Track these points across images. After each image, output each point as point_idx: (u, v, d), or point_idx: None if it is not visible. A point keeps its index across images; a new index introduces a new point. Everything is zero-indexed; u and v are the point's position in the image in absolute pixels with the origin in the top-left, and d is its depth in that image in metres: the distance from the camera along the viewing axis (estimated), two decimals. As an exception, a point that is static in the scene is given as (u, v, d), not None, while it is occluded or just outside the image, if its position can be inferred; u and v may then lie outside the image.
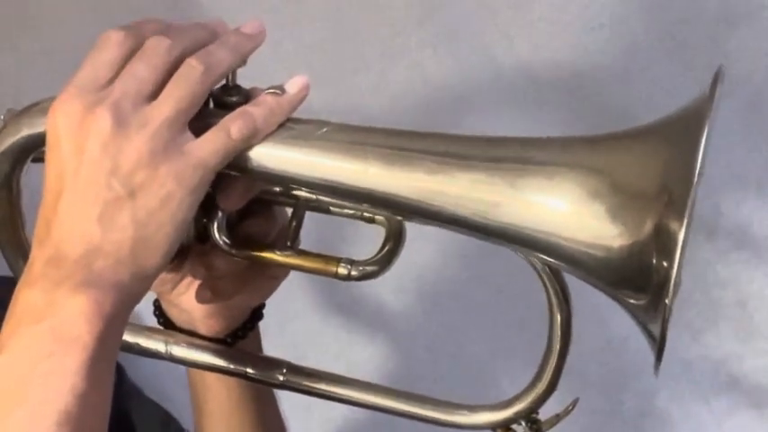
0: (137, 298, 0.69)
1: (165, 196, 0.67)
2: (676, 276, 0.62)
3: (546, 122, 1.31)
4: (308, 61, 1.34)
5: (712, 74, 0.66)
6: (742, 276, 1.30)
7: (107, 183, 0.67)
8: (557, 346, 0.77)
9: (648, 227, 0.64)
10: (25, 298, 0.66)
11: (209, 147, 0.69)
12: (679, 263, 0.62)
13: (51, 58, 1.37)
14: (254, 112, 0.71)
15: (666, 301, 0.62)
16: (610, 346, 1.33)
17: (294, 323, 1.31)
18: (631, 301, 0.66)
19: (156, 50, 0.69)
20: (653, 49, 1.29)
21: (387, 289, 1.38)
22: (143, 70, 0.69)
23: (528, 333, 1.34)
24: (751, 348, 1.31)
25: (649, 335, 0.67)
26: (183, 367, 0.91)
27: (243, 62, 0.73)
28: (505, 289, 1.35)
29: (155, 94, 0.69)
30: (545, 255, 0.69)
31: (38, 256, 0.67)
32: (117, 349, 0.68)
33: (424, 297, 1.39)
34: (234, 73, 0.73)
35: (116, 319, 0.66)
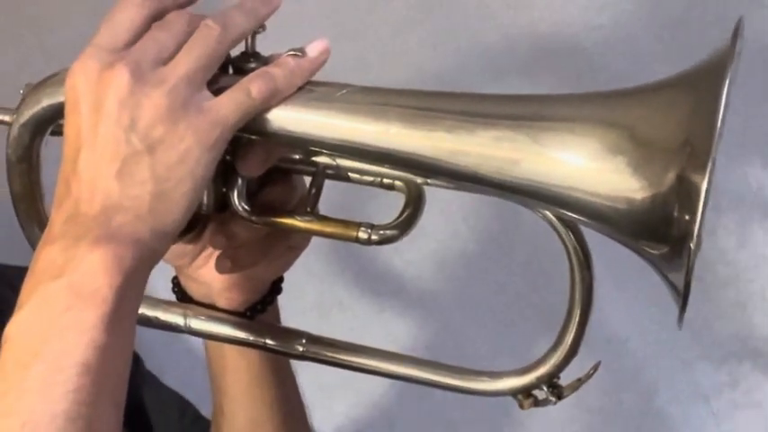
0: (156, 255, 0.68)
1: (184, 151, 0.67)
2: (700, 224, 0.62)
3: (546, 122, 1.31)
4: (308, 61, 1.34)
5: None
6: (742, 276, 1.30)
7: (126, 138, 0.67)
8: (578, 308, 0.77)
9: (670, 178, 0.64)
10: (45, 256, 0.66)
11: (229, 105, 0.69)
12: (702, 212, 0.62)
13: (51, 58, 1.37)
14: (275, 72, 0.71)
15: (691, 245, 0.62)
16: (610, 346, 1.33)
17: (292, 319, 1.31)
18: (654, 251, 0.66)
19: (178, 20, 0.70)
20: (653, 49, 1.29)
21: (388, 288, 1.38)
22: (164, 36, 0.69)
23: (528, 332, 1.34)
24: (751, 348, 1.31)
25: (672, 286, 0.66)
26: (200, 354, 0.90)
27: (260, 27, 0.73)
28: (506, 288, 1.35)
29: (172, 59, 0.69)
30: (567, 210, 0.69)
31: (57, 214, 0.67)
32: (137, 306, 0.68)
33: (425, 296, 1.39)
34: (254, 40, 0.74)
35: (136, 274, 0.66)
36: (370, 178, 0.77)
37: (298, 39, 1.34)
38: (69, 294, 0.64)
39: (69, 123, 0.69)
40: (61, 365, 0.62)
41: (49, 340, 0.63)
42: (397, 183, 0.76)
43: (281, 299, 0.88)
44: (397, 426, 1.36)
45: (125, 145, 0.67)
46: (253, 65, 0.73)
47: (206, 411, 1.06)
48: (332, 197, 0.80)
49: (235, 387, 0.91)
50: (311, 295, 1.38)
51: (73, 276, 0.64)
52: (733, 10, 1.26)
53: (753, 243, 1.31)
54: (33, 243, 0.79)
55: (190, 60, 0.69)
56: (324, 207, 0.79)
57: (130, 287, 0.65)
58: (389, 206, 0.77)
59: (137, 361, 1.12)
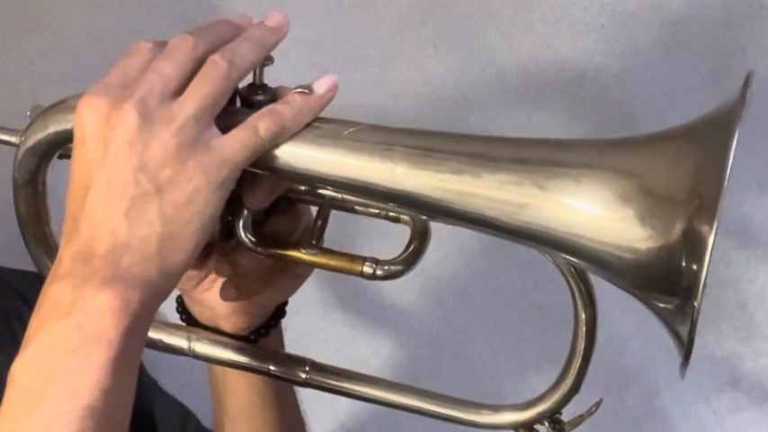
0: (163, 295, 0.68)
1: (193, 192, 0.67)
2: (704, 280, 0.62)
3: (546, 122, 1.32)
4: (309, 60, 1.34)
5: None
6: (742, 276, 1.30)
7: (134, 178, 0.67)
8: (581, 347, 0.78)
9: (677, 230, 0.64)
10: (53, 293, 0.66)
11: (237, 143, 0.69)
12: (707, 267, 0.62)
13: (52, 59, 1.37)
14: (283, 110, 0.71)
15: (695, 303, 0.63)
16: (611, 347, 1.33)
17: (296, 319, 1.31)
18: (659, 303, 0.66)
19: (181, 49, 0.70)
20: (653, 50, 1.29)
21: (389, 287, 1.38)
22: (168, 68, 0.69)
23: (530, 332, 1.34)
24: (751, 348, 1.31)
25: (676, 336, 0.67)
26: (201, 363, 0.91)
27: (269, 58, 0.73)
28: (507, 287, 1.35)
29: (180, 92, 0.69)
30: (573, 257, 0.69)
31: (66, 251, 0.67)
32: (142, 346, 0.68)
33: (427, 295, 1.39)
34: (261, 72, 0.74)
35: (142, 315, 0.66)
36: (376, 210, 0.77)
37: (298, 39, 1.34)
38: (76, 335, 0.64)
39: (77, 159, 0.69)
40: (66, 409, 0.62)
41: (54, 382, 0.63)
42: (403, 216, 0.77)
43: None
44: (401, 424, 1.36)
45: (134, 185, 0.67)
46: (260, 97, 0.73)
47: (206, 421, 1.06)
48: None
49: (236, 406, 0.91)
50: (310, 295, 1.38)
51: (80, 317, 0.64)
52: (733, 11, 1.26)
53: (753, 243, 1.31)
54: (38, 265, 0.79)
55: (197, 98, 0.68)
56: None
57: (137, 328, 0.65)
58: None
59: (140, 368, 1.12)
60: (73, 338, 0.64)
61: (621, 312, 1.31)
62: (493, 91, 1.33)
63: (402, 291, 1.38)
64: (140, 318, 0.65)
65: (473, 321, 1.37)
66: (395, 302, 1.40)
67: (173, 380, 1.19)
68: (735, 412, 1.33)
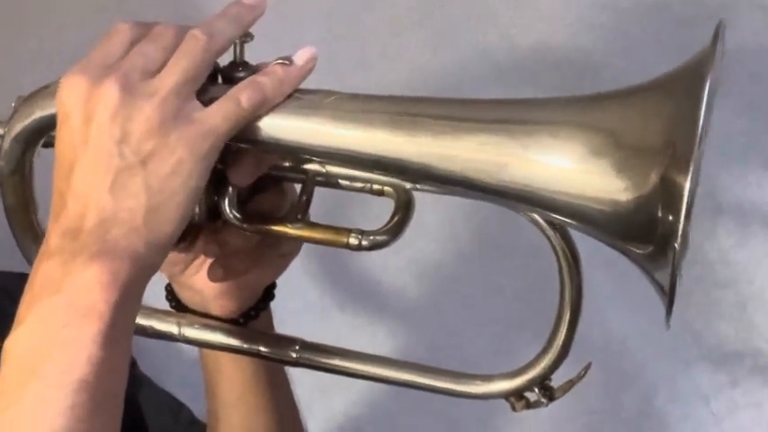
0: (152, 268, 0.69)
1: (177, 163, 0.68)
2: (685, 226, 0.63)
3: (546, 122, 1.31)
4: (308, 61, 1.34)
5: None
6: (742, 276, 1.30)
7: (118, 151, 0.67)
8: (568, 311, 0.78)
9: (654, 179, 0.65)
10: (43, 271, 0.66)
11: (219, 114, 0.70)
12: (687, 212, 0.63)
13: (51, 58, 1.37)
14: (264, 81, 0.72)
15: (675, 245, 0.63)
16: (609, 347, 1.33)
17: (295, 321, 1.31)
18: (640, 251, 0.67)
19: (164, 34, 0.71)
20: (653, 49, 1.29)
21: (387, 289, 1.38)
22: (151, 49, 0.70)
23: (528, 332, 1.34)
24: (751, 348, 1.31)
25: (658, 286, 0.67)
26: (194, 355, 0.91)
27: (248, 35, 0.74)
28: (505, 288, 1.35)
29: (161, 71, 0.70)
30: (553, 213, 0.70)
31: (54, 229, 0.68)
32: (134, 319, 0.69)
33: (424, 297, 1.39)
34: (242, 49, 0.75)
35: (132, 288, 0.66)
36: (360, 184, 0.77)
37: (298, 39, 1.34)
38: (66, 311, 0.64)
39: (61, 137, 0.69)
40: (59, 382, 0.63)
41: (46, 357, 0.64)
42: (387, 189, 0.77)
43: (278, 304, 0.88)
44: (398, 425, 1.36)
45: (118, 158, 0.67)
46: (241, 74, 0.74)
47: (200, 411, 1.06)
48: (322, 204, 0.80)
49: (229, 393, 0.91)
50: (310, 298, 1.38)
51: (70, 292, 0.65)
52: (732, 11, 1.26)
53: (753, 243, 1.31)
54: (27, 255, 0.79)
55: (178, 71, 0.69)
56: (314, 214, 0.79)
57: (127, 301, 0.66)
58: (380, 212, 0.77)
59: (132, 364, 1.12)
60: (64, 314, 0.64)
61: (619, 314, 1.31)
62: (492, 91, 1.33)
63: (401, 292, 1.38)
64: (130, 290, 0.66)
65: (471, 323, 1.37)
66: (394, 305, 1.40)
67: (167, 376, 1.19)
68: (734, 413, 1.33)
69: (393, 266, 1.39)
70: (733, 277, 1.30)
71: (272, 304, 0.88)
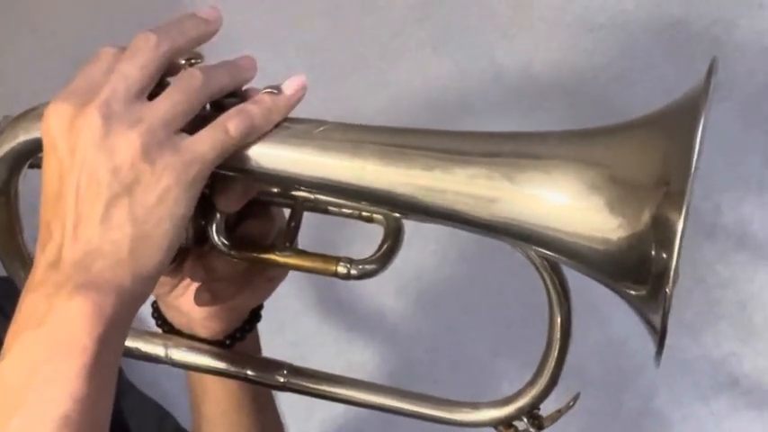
0: (138, 300, 0.68)
1: (163, 191, 0.67)
2: (675, 266, 0.62)
3: (545, 122, 1.32)
4: (307, 61, 1.34)
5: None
6: (742, 276, 1.30)
7: (103, 181, 0.67)
8: (557, 342, 0.78)
9: (647, 218, 0.64)
10: (28, 304, 0.66)
11: (207, 142, 0.69)
12: (678, 252, 0.62)
13: (51, 58, 1.37)
14: (252, 109, 0.71)
15: (666, 289, 0.63)
16: (609, 347, 1.33)
17: (293, 324, 1.31)
18: (632, 292, 0.66)
19: (143, 49, 0.69)
20: (653, 50, 1.29)
21: (386, 290, 1.38)
22: (131, 69, 0.69)
23: (528, 333, 1.34)
24: (751, 348, 1.31)
25: (650, 326, 0.67)
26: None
27: (197, 55, 0.73)
28: (505, 289, 1.35)
29: (144, 91, 0.69)
30: (544, 249, 0.69)
31: (40, 260, 0.67)
32: (120, 351, 0.68)
33: (424, 298, 1.39)
34: None
35: (117, 321, 0.65)
36: (349, 211, 0.77)
37: (297, 40, 1.34)
38: (49, 344, 0.63)
39: (48, 166, 0.69)
40: (41, 419, 0.62)
41: (29, 392, 0.63)
42: (376, 216, 0.77)
43: (263, 325, 0.88)
44: (399, 428, 1.36)
45: (103, 188, 0.67)
46: (230, 100, 0.73)
47: (185, 422, 1.06)
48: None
49: (213, 411, 0.91)
50: (311, 297, 1.38)
51: (53, 326, 0.64)
52: (732, 11, 1.26)
53: (753, 243, 1.31)
54: (14, 276, 0.79)
55: (168, 104, 0.69)
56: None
57: (112, 334, 0.65)
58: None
59: (119, 372, 1.12)
60: (47, 347, 0.63)
61: (620, 313, 1.31)
62: (492, 91, 1.33)
63: (400, 293, 1.38)
64: (115, 323, 0.65)
65: (471, 324, 1.37)
66: (393, 306, 1.40)
67: (152, 383, 1.19)
68: (733, 413, 1.33)
69: (394, 265, 1.38)
70: (732, 277, 1.30)
71: (268, 308, 0.88)
